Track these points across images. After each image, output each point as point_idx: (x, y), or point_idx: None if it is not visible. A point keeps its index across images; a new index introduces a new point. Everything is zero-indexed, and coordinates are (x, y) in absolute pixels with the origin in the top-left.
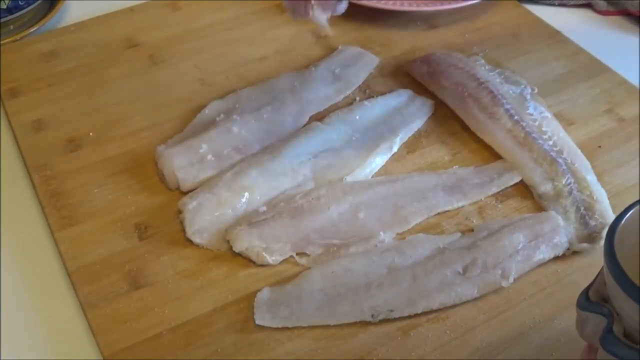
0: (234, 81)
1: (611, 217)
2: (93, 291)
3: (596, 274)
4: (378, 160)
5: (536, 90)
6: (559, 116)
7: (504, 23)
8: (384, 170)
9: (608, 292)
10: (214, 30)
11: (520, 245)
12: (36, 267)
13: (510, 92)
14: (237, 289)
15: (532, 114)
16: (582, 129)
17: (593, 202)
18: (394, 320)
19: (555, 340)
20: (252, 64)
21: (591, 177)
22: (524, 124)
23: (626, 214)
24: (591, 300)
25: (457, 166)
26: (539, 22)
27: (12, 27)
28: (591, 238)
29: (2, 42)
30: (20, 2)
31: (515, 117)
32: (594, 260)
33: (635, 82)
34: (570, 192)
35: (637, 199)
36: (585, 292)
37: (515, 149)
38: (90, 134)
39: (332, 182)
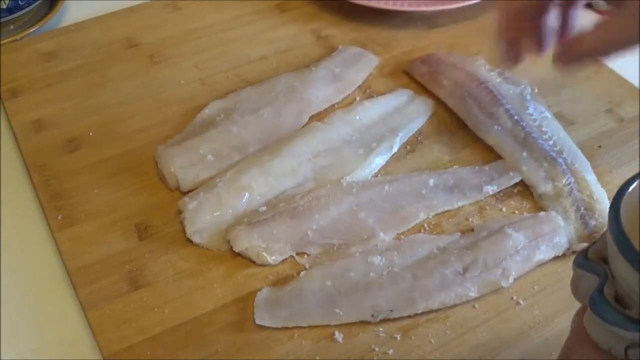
0: (234, 81)
1: None
2: (93, 291)
3: None
4: (378, 160)
5: (536, 90)
6: (559, 116)
7: None
8: (384, 170)
9: (607, 254)
10: (214, 30)
11: (520, 245)
12: (36, 267)
13: (510, 92)
14: (237, 289)
15: (532, 114)
16: (582, 129)
17: (593, 202)
18: (394, 320)
19: (555, 340)
20: (252, 64)
21: (591, 177)
22: (524, 124)
23: (637, 179)
24: (589, 258)
25: (457, 166)
26: None
27: (12, 27)
28: (591, 238)
29: (2, 42)
30: (20, 2)
31: (515, 117)
32: None
33: (635, 82)
34: (570, 192)
35: None
36: (585, 250)
37: (515, 149)
38: (90, 134)
39: (332, 182)
